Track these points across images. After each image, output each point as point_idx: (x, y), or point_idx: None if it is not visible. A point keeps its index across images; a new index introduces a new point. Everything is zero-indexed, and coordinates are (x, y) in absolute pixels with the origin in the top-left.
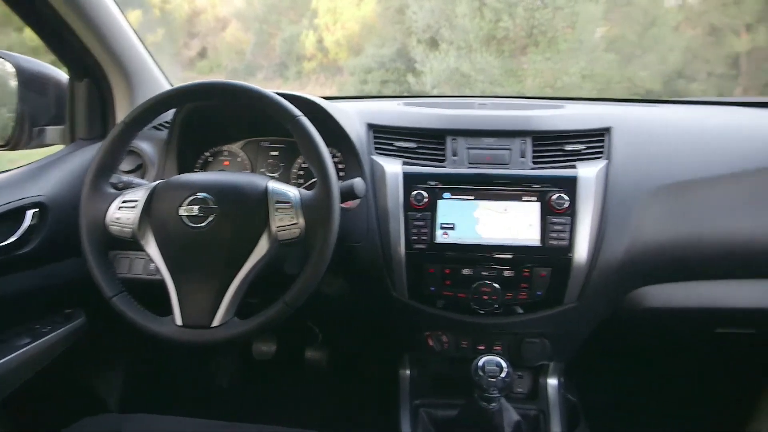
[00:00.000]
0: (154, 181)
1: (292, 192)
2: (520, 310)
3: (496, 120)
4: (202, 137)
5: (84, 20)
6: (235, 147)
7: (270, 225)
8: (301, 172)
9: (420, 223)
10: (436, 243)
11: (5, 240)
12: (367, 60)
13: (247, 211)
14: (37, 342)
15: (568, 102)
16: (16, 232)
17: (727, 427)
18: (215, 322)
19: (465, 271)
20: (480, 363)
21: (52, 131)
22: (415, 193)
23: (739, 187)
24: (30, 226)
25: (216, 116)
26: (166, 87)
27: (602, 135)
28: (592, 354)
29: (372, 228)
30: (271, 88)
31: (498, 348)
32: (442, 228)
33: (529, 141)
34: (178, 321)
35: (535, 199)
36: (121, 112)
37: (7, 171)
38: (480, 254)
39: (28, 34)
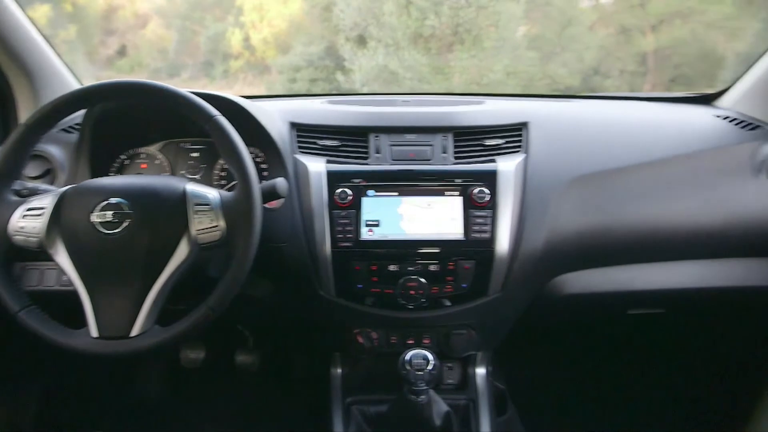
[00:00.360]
0: (63, 187)
1: (212, 194)
2: (448, 303)
3: (417, 117)
4: (116, 139)
5: None
6: (153, 149)
7: (189, 228)
8: (224, 173)
9: (345, 221)
10: (362, 240)
11: None
12: (295, 58)
13: (164, 214)
14: None
15: (489, 98)
16: None
17: (646, 402)
18: (134, 332)
19: (391, 267)
20: (407, 357)
21: None
22: (339, 191)
23: (647, 176)
24: None
25: (131, 117)
26: (75, 87)
27: (520, 130)
28: (517, 342)
29: (297, 227)
30: (196, 87)
31: (427, 341)
32: (367, 225)
33: (450, 137)
34: (94, 332)
35: (457, 193)
36: (25, 114)
37: None
38: (405, 250)
39: None
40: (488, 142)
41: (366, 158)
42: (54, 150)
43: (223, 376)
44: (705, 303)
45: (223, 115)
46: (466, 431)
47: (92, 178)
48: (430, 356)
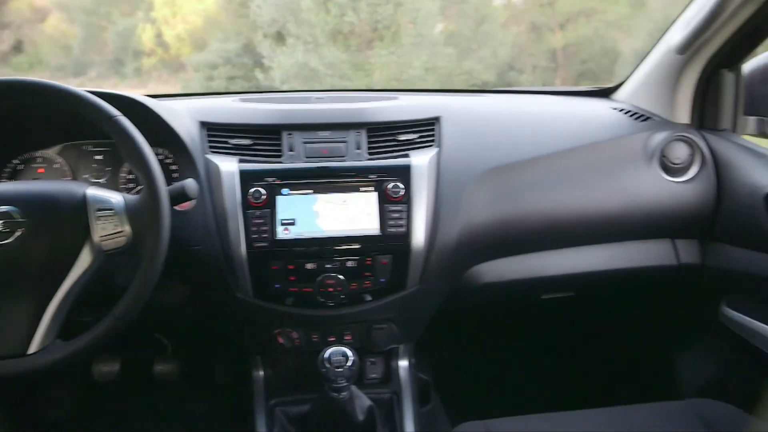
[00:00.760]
0: None
1: (116, 198)
2: (369, 298)
3: (330, 113)
4: (8, 143)
5: None
6: (51, 152)
7: (92, 235)
8: (131, 177)
9: (260, 221)
10: (278, 240)
11: None
12: (211, 55)
13: (62, 222)
14: None
15: (403, 94)
16: None
17: (564, 379)
18: (32, 348)
19: (309, 266)
20: (326, 355)
21: None
22: (252, 190)
23: (552, 167)
24: None
25: (26, 118)
26: None
27: (433, 124)
28: (439, 332)
29: (210, 229)
30: (106, 86)
31: (348, 337)
32: (282, 224)
33: (363, 132)
34: None
35: (372, 189)
36: None
37: None
38: (322, 247)
39: None
40: (401, 137)
41: (279, 156)
42: None
43: (141, 388)
44: (610, 283)
45: (127, 115)
46: (390, 424)
47: None
48: (349, 352)
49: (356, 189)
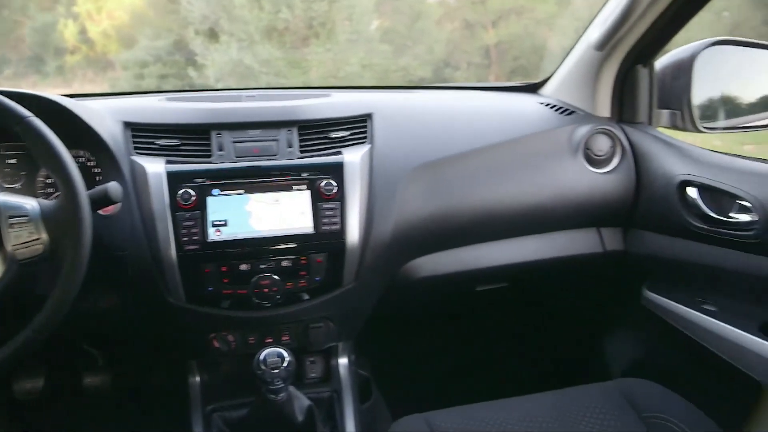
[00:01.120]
0: None
1: (30, 203)
2: (306, 297)
3: (261, 111)
4: None
5: None
6: None
7: (4, 244)
8: (49, 181)
9: (190, 223)
10: (209, 242)
11: None
12: (141, 53)
13: None
14: None
15: (336, 91)
16: None
17: (502, 368)
18: None
19: (243, 267)
20: (261, 357)
21: None
22: (181, 192)
23: (482, 161)
24: None
25: None
26: None
27: (365, 121)
28: (378, 328)
29: (138, 233)
30: (24, 85)
31: (286, 338)
32: (214, 226)
33: (295, 130)
34: None
35: (304, 187)
36: None
37: None
38: (256, 248)
39: None
40: (333, 135)
41: (209, 156)
42: None
43: (69, 403)
44: (541, 273)
45: (41, 116)
46: (331, 423)
47: None
48: (284, 353)
49: (289, 188)
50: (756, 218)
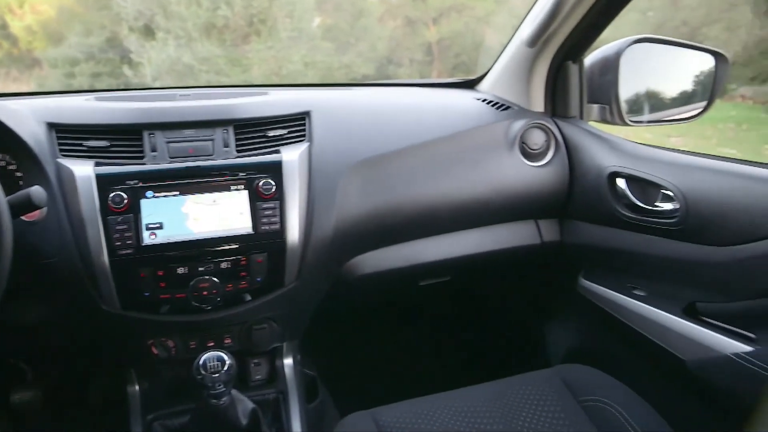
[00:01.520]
0: None
1: None
2: (248, 298)
3: (195, 111)
4: None
5: None
6: None
7: None
8: None
9: (122, 227)
10: (144, 246)
11: None
12: (71, 50)
13: None
14: None
15: (273, 89)
16: None
17: (449, 361)
18: None
19: (180, 270)
20: (200, 361)
21: None
22: (112, 195)
23: (421, 157)
24: None
25: None
26: None
27: (303, 119)
28: (323, 327)
29: (66, 239)
30: None
31: (228, 341)
32: (148, 229)
33: (231, 130)
34: None
35: (242, 187)
36: None
37: None
38: (194, 250)
39: None
40: (271, 133)
41: (141, 158)
42: None
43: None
44: (482, 265)
45: None
46: (277, 424)
47: None
48: (225, 356)
49: (226, 188)
50: (678, 206)
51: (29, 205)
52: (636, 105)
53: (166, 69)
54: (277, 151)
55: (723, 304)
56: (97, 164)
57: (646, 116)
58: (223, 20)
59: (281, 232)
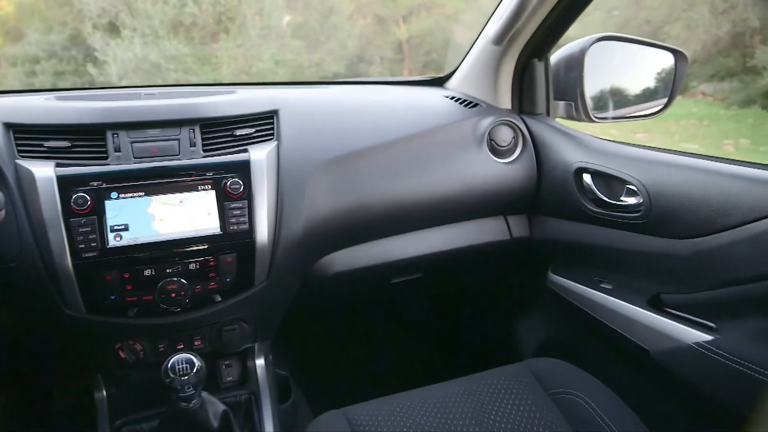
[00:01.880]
0: None
1: None
2: (219, 298)
3: (160, 110)
4: None
5: None
6: None
7: None
8: None
9: (86, 229)
10: (109, 248)
11: None
12: (31, 48)
13: None
14: None
15: (241, 88)
16: None
17: (423, 357)
18: None
19: (147, 272)
20: (169, 365)
21: None
22: (75, 196)
23: (391, 154)
24: None
25: None
26: None
27: (270, 118)
28: (295, 326)
29: (27, 243)
30: None
31: (198, 343)
32: (113, 231)
33: (197, 129)
34: None
35: (210, 187)
36: None
37: None
38: (161, 251)
39: None
40: (238, 132)
41: (105, 158)
42: None
43: None
44: (453, 262)
45: None
46: (249, 425)
47: None
48: (193, 359)
49: (193, 188)
50: (641, 200)
51: None
52: (601, 102)
53: (132, 67)
54: (245, 151)
55: (686, 295)
56: (58, 165)
57: (611, 113)
58: (191, 18)
59: (250, 231)
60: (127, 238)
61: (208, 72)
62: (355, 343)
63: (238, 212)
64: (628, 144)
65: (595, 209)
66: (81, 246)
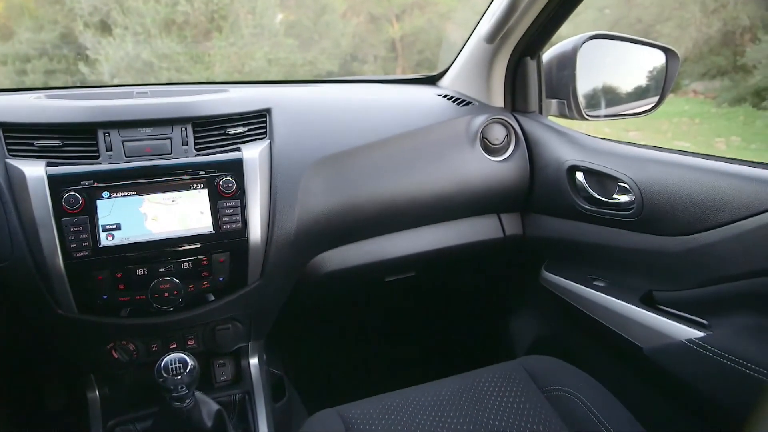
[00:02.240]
0: None
1: None
2: (212, 298)
3: (152, 108)
4: None
5: None
6: None
7: None
8: None
9: (78, 229)
10: (101, 247)
11: None
12: (22, 46)
13: None
14: None
15: (234, 86)
16: None
17: (416, 356)
18: None
19: (140, 272)
20: (162, 364)
21: None
22: (66, 196)
23: (383, 153)
24: None
25: None
26: None
27: (263, 116)
28: (289, 325)
29: (18, 243)
30: None
31: (192, 342)
32: (105, 230)
33: (189, 128)
34: None
35: (202, 186)
36: None
37: None
38: (153, 251)
39: None
40: (231, 131)
41: (96, 157)
42: None
43: None
44: (447, 260)
45: None
46: (244, 424)
47: None
48: (187, 358)
49: (186, 187)
50: (633, 198)
51: None
52: (593, 100)
53: (124, 66)
54: (238, 149)
55: (678, 292)
56: (49, 164)
57: (603, 111)
58: (183, 16)
59: (243, 230)
60: (119, 238)
61: (200, 70)
62: (349, 342)
63: (231, 211)
64: (621, 142)
65: (587, 207)
66: (72, 246)
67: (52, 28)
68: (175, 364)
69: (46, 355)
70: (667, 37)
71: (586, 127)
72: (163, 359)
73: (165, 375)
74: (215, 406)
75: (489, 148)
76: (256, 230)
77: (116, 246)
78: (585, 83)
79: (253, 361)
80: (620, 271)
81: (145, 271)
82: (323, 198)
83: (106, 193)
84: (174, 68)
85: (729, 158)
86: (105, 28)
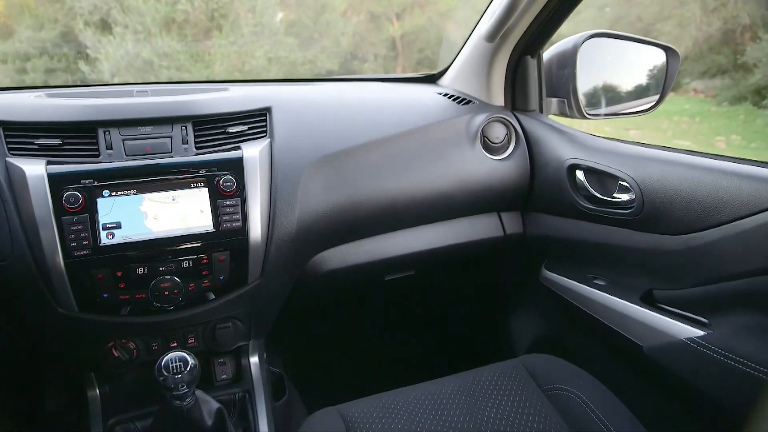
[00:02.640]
0: None
1: None
2: (212, 296)
3: (152, 107)
4: None
5: None
6: None
7: None
8: None
9: (78, 227)
10: (102, 246)
11: None
12: (22, 45)
13: None
14: None
15: (234, 85)
16: None
17: (416, 354)
18: None
19: (140, 270)
20: (162, 363)
21: None
22: (66, 194)
23: (384, 152)
24: None
25: None
26: None
27: (264, 115)
28: (289, 324)
29: (18, 242)
30: None
31: (192, 341)
32: (105, 229)
33: (189, 126)
34: None
35: (202, 184)
36: None
37: None
38: (154, 250)
39: None
40: (231, 130)
41: (97, 156)
42: None
43: None
44: (447, 259)
45: None
46: (244, 423)
47: None
48: (187, 357)
49: (186, 186)
50: (634, 197)
51: None
52: (593, 98)
53: (124, 65)
54: (238, 148)
55: (678, 290)
56: (50, 163)
57: (603, 109)
58: (183, 15)
59: (243, 229)
60: (120, 237)
61: (201, 69)
62: (350, 340)
63: (231, 210)
64: (621, 141)
65: (587, 206)
66: (73, 244)
67: (53, 27)
68: (175, 362)
69: (46, 353)
70: (667, 36)
71: (586, 126)
72: (163, 358)
73: (165, 373)
74: (215, 405)
75: (489, 147)
76: (256, 229)
77: (116, 245)
78: (585, 82)
79: (254, 359)
80: (620, 270)
81: (146, 270)
82: (323, 196)
83: (106, 192)
84: (174, 67)
85: (729, 157)
86: (105, 26)
